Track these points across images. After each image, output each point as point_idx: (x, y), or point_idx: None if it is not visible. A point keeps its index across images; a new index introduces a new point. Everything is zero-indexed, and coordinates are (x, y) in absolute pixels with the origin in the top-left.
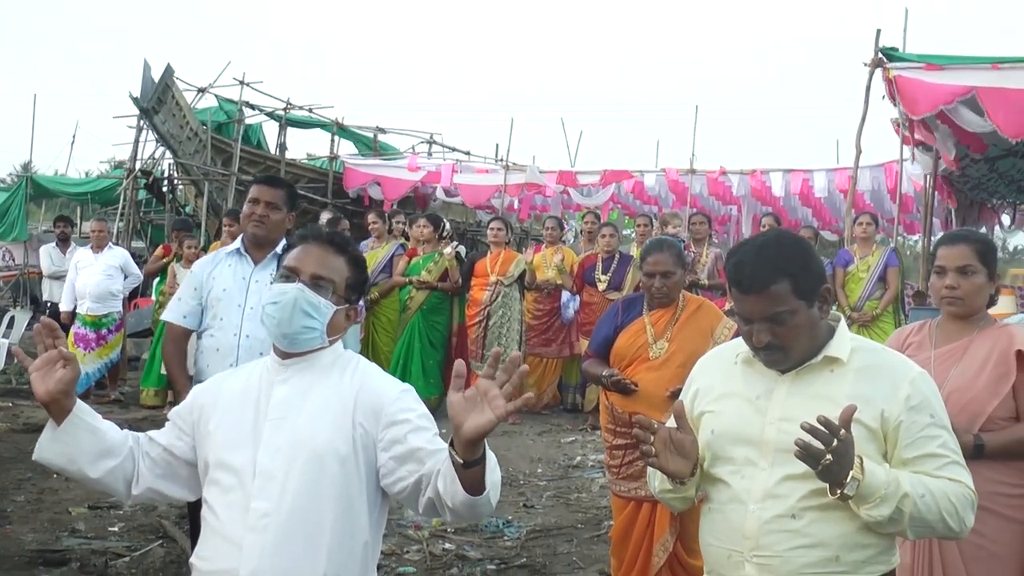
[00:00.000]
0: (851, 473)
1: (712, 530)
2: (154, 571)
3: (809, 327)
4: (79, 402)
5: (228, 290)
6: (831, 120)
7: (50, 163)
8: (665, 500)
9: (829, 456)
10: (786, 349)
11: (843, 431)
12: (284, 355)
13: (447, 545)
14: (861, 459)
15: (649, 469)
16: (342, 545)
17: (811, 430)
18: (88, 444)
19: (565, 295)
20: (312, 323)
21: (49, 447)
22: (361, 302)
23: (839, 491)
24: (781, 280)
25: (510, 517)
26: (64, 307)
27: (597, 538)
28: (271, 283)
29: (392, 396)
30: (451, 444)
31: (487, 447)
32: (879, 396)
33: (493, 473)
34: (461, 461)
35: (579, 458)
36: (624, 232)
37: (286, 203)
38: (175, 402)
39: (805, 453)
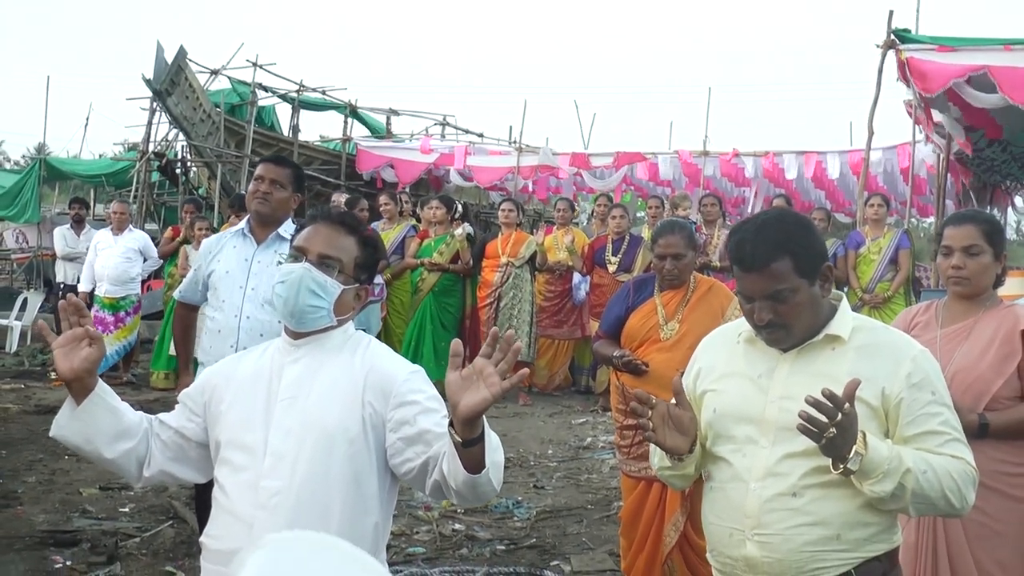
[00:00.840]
0: (854, 448)
1: (713, 509)
2: (164, 551)
3: (810, 305)
4: (100, 382)
5: (231, 272)
6: (845, 102)
7: (64, 145)
8: (664, 477)
9: (833, 429)
10: (788, 327)
11: (847, 405)
12: (295, 335)
13: (457, 526)
14: (864, 434)
15: (651, 446)
16: (353, 524)
17: (815, 404)
18: (106, 424)
19: (576, 276)
20: (319, 302)
21: (67, 425)
22: (382, 280)
23: (842, 466)
24: (782, 258)
25: (520, 498)
26: (83, 288)
27: (607, 519)
28: (280, 263)
29: (402, 377)
30: (450, 424)
31: (487, 426)
32: (880, 374)
33: (495, 453)
34: (460, 440)
35: (590, 439)
36: (638, 214)
37: (291, 183)
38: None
39: (809, 426)
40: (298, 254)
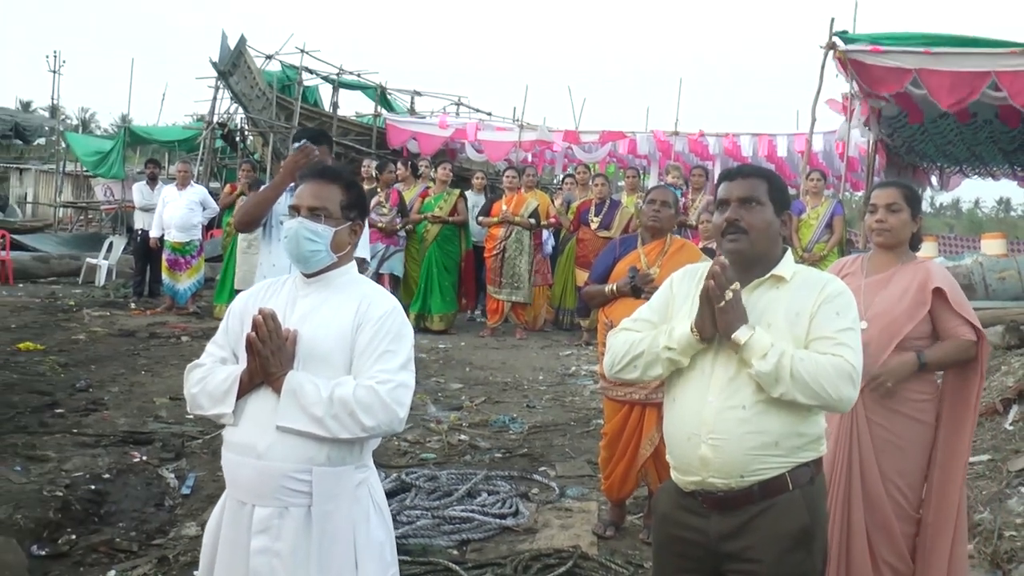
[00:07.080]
0: (743, 326)
1: (674, 419)
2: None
3: (769, 228)
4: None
5: (285, 216)
6: (793, 91)
7: (144, 116)
8: (662, 358)
9: (729, 293)
10: (748, 234)
11: (737, 285)
12: (307, 275)
13: (462, 436)
14: (755, 327)
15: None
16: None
17: (714, 275)
18: None
19: (544, 233)
20: (316, 246)
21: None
22: (403, 234)
23: (732, 336)
24: (761, 180)
25: (515, 415)
26: (153, 234)
27: (587, 433)
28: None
29: (376, 315)
30: None
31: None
32: (810, 302)
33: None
34: None
35: (574, 368)
36: (619, 183)
37: (328, 154)
38: None
39: (715, 286)
40: (293, 211)
